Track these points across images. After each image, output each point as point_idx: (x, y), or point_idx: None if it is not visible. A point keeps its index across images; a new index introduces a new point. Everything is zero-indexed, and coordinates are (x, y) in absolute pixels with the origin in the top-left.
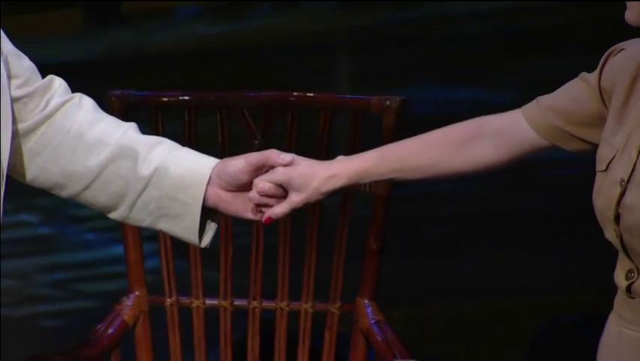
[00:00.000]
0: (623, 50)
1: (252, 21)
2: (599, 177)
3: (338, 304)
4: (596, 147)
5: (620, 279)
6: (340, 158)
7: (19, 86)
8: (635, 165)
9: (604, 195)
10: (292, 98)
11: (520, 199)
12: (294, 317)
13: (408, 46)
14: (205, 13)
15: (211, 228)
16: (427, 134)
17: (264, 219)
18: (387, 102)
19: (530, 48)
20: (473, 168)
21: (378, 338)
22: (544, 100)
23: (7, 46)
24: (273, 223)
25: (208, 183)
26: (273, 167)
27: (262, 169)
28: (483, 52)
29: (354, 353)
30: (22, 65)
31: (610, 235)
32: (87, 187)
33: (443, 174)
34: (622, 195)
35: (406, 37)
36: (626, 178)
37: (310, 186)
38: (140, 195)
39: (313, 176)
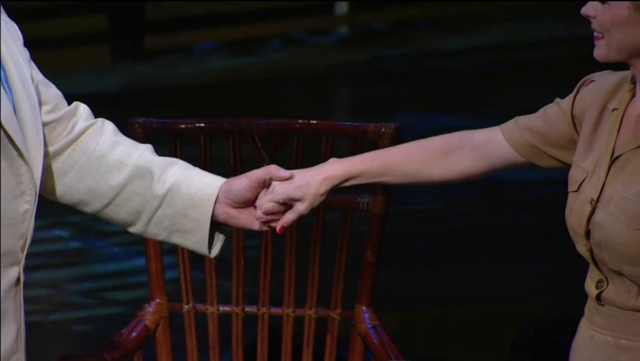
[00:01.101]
0: (593, 81)
1: (261, 56)
2: (571, 196)
3: (338, 311)
4: (566, 165)
5: (590, 288)
6: (332, 160)
7: (48, 112)
8: (603, 186)
9: (575, 213)
10: (297, 125)
11: (501, 216)
12: (299, 322)
13: (400, 79)
14: (220, 49)
15: (220, 240)
16: (413, 143)
17: (277, 228)
18: (383, 129)
19: (510, 81)
20: (453, 176)
21: (375, 341)
22: (522, 120)
23: (38, 76)
24: (284, 233)
25: (216, 202)
26: (272, 180)
27: (264, 184)
28: (467, 84)
29: (353, 355)
30: (51, 92)
31: (581, 248)
32: (109, 204)
33: (426, 179)
34: (592, 213)
35: (399, 72)
36: (595, 198)
37: (309, 193)
38: (155, 212)
39: (308, 185)
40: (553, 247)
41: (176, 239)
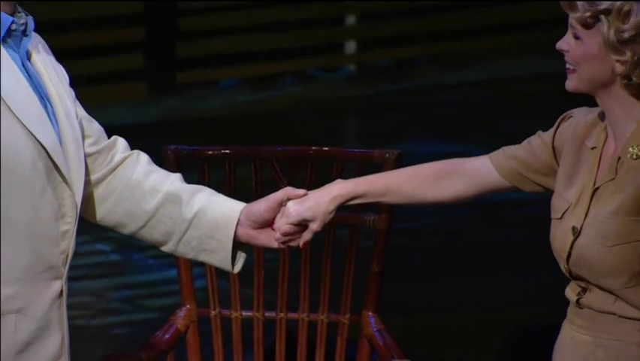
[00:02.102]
0: (571, 117)
1: (278, 90)
2: (554, 223)
3: (347, 316)
4: (546, 190)
5: (570, 295)
6: (338, 181)
7: (90, 145)
8: (586, 214)
9: (559, 239)
10: (311, 152)
11: (493, 233)
12: (312, 326)
13: (403, 110)
14: (242, 84)
15: (241, 257)
16: (411, 168)
17: (301, 245)
18: (387, 155)
19: (501, 112)
20: (445, 199)
21: (380, 343)
22: (508, 150)
23: (82, 112)
24: (298, 248)
25: (238, 224)
26: (289, 199)
27: (282, 204)
28: (463, 115)
29: (361, 355)
30: (93, 127)
31: (562, 267)
32: (143, 226)
33: (421, 200)
34: (575, 239)
35: (403, 103)
36: (579, 226)
37: (319, 212)
38: (184, 233)
39: (318, 205)
40: (540, 261)
41: (203, 257)
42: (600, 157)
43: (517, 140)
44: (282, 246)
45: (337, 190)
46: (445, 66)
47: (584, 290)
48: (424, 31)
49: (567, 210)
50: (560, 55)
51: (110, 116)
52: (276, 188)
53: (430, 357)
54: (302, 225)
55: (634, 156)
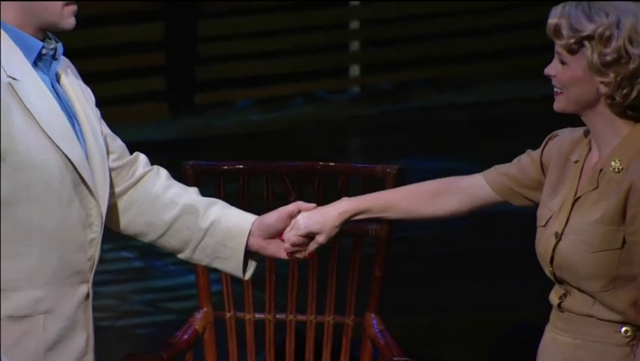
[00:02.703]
0: (557, 135)
1: (289, 111)
2: (539, 230)
3: (352, 318)
4: (534, 203)
5: (553, 299)
6: (344, 199)
7: (114, 160)
8: (567, 220)
9: (543, 243)
10: (318, 167)
11: (488, 242)
12: (319, 327)
13: (403, 129)
14: (256, 105)
15: (252, 265)
16: (410, 186)
17: (307, 255)
18: (388, 169)
19: (493, 131)
20: (442, 214)
21: (382, 343)
22: (500, 168)
23: (106, 130)
24: (310, 257)
25: (249, 234)
26: (300, 211)
27: (292, 217)
28: (457, 133)
29: (364, 354)
30: (117, 144)
31: (547, 271)
32: (162, 235)
33: (420, 216)
34: (557, 243)
35: (402, 123)
36: (560, 231)
37: (327, 226)
38: (200, 242)
39: (325, 220)
40: (531, 268)
41: (217, 264)
42: (582, 169)
43: (507, 156)
44: (289, 257)
45: (344, 207)
46: (442, 89)
47: (566, 295)
48: (422, 57)
49: (551, 217)
50: (546, 79)
51: (134, 133)
52: (286, 200)
53: (429, 356)
54: (309, 237)
55: (616, 170)
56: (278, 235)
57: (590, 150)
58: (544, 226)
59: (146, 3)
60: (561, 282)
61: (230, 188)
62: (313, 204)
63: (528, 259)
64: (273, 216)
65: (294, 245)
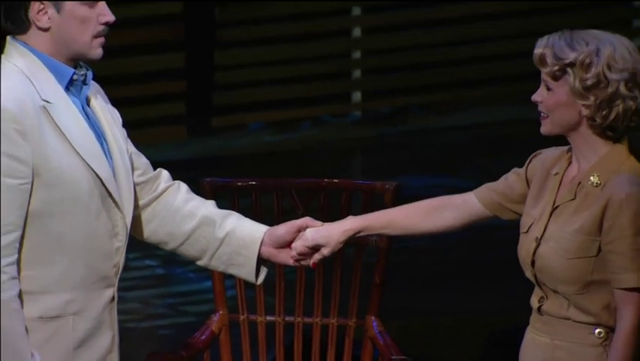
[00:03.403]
0: (541, 153)
1: (297, 133)
2: (522, 236)
3: (354, 320)
4: (520, 216)
5: (534, 302)
6: (350, 217)
7: (138, 175)
8: (546, 227)
9: (525, 248)
10: (324, 183)
11: (480, 251)
12: (324, 328)
13: (401, 150)
14: (267, 128)
15: (263, 271)
16: (407, 205)
17: (312, 264)
18: (387, 186)
19: (485, 151)
20: (438, 229)
21: (381, 343)
22: (490, 185)
23: (132, 148)
24: (311, 267)
25: (261, 244)
26: (307, 227)
27: (300, 230)
28: (453, 153)
29: (365, 353)
30: (141, 161)
31: (528, 274)
32: (182, 244)
33: (418, 232)
34: (536, 248)
35: (400, 144)
36: (539, 236)
37: (332, 241)
38: (216, 250)
39: (331, 235)
40: (518, 276)
41: (232, 270)
42: (561, 181)
43: (498, 174)
44: (296, 264)
45: (348, 225)
46: (436, 113)
47: (545, 297)
48: (418, 84)
49: (532, 224)
50: (532, 103)
51: (157, 153)
52: (294, 214)
53: (424, 356)
54: (315, 248)
55: (595, 184)
56: (287, 245)
57: (569, 164)
58: (526, 232)
59: (168, 34)
60: (541, 285)
61: (243, 202)
62: (320, 222)
63: (517, 268)
64: (283, 229)
65: (300, 254)
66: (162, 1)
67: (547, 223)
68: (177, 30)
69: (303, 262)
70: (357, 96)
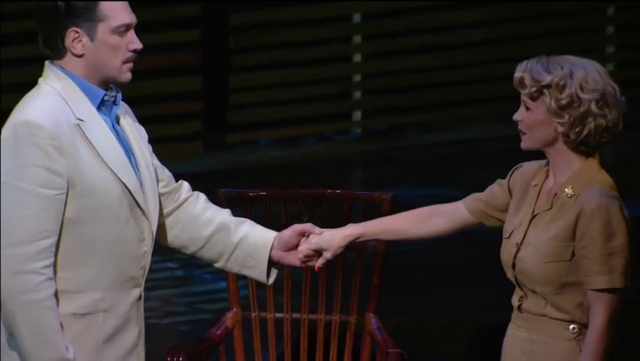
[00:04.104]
0: (522, 166)
1: (303, 148)
2: (504, 241)
3: (354, 317)
4: (503, 223)
5: (514, 301)
6: (350, 225)
7: (162, 187)
8: (525, 234)
9: (507, 252)
10: (327, 193)
11: (471, 255)
12: (328, 324)
13: (397, 163)
14: (276, 143)
15: (274, 273)
16: (402, 213)
17: (316, 268)
18: (384, 196)
19: (476, 164)
20: (429, 234)
21: (379, 337)
22: (476, 195)
23: (156, 162)
24: (319, 271)
25: (271, 248)
26: (310, 233)
27: (303, 235)
28: (444, 166)
29: (364, 346)
30: (165, 174)
31: (510, 275)
32: (201, 248)
33: (411, 237)
34: (517, 252)
35: (396, 158)
36: (520, 241)
37: (333, 245)
38: (231, 254)
39: (332, 240)
40: (500, 277)
41: (245, 272)
42: (539, 191)
43: (483, 184)
44: (302, 265)
45: (348, 231)
46: (429, 130)
47: (525, 296)
48: (413, 104)
49: (513, 230)
50: (514, 122)
51: (177, 166)
52: (300, 221)
53: (418, 349)
54: (318, 252)
55: (568, 195)
56: (294, 247)
57: (547, 176)
58: (508, 237)
59: (188, 60)
60: (521, 285)
61: (255, 210)
62: (320, 229)
63: (500, 270)
64: (288, 233)
65: (306, 256)
66: (182, 30)
67: (527, 230)
68: (196, 56)
69: (308, 263)
70: (357, 115)
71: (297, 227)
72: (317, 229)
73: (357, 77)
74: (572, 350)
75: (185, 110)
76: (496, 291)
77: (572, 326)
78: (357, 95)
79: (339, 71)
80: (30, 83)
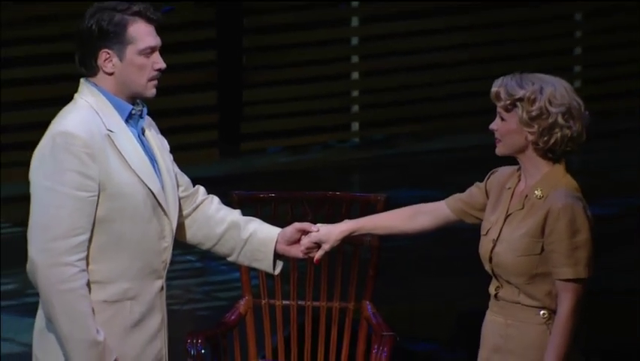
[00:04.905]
0: (497, 171)
1: (308, 155)
2: (482, 238)
3: (352, 303)
4: (480, 221)
5: (491, 290)
6: (346, 220)
7: (182, 191)
8: (500, 231)
9: (484, 247)
10: (329, 195)
11: (452, 249)
12: (329, 310)
13: (391, 169)
14: (284, 151)
15: (279, 265)
16: (392, 211)
17: (315, 260)
18: (379, 197)
19: (459, 169)
20: (415, 230)
21: (374, 322)
22: (457, 195)
23: (176, 169)
24: (320, 262)
25: (276, 242)
26: (309, 231)
27: (303, 232)
28: (433, 171)
29: (361, 330)
30: (184, 179)
31: (487, 268)
32: (215, 244)
33: (399, 232)
34: (493, 247)
35: (391, 164)
36: (496, 238)
37: (331, 238)
38: (242, 249)
39: (330, 233)
40: (478, 269)
41: (255, 264)
42: (512, 193)
43: (465, 187)
44: (304, 256)
45: (344, 226)
46: (420, 139)
47: (499, 287)
48: (406, 116)
49: (490, 228)
50: (490, 131)
51: (196, 171)
52: (305, 220)
53: (409, 332)
54: (318, 244)
55: (538, 197)
56: (295, 242)
57: (519, 180)
58: (485, 234)
59: (205, 77)
60: (497, 276)
61: (264, 211)
62: (317, 227)
63: (478, 263)
64: (289, 229)
65: (307, 248)
66: (201, 51)
67: (502, 228)
68: (212, 74)
69: (310, 255)
70: (355, 126)
71: (297, 225)
72: (314, 227)
73: (355, 93)
74: (542, 333)
75: (203, 121)
76: (475, 281)
77: (542, 312)
78: (355, 108)
79: (340, 87)
80: (66, 98)
